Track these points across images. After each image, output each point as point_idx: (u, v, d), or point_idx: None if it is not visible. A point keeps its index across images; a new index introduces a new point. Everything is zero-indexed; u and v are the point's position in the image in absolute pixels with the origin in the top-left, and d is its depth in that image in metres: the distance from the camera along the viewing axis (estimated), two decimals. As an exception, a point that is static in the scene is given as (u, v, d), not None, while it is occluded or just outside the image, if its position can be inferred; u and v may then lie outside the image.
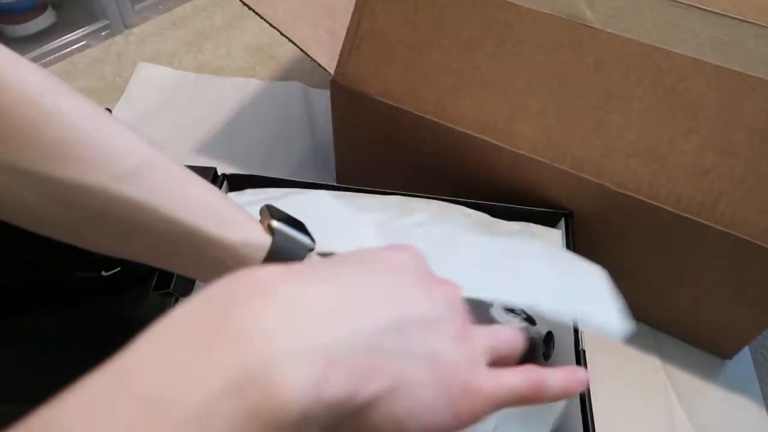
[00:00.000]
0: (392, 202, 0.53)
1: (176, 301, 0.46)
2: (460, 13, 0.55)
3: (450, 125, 0.56)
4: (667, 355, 0.62)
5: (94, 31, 0.98)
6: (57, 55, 0.95)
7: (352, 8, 0.58)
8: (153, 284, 0.47)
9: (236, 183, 0.57)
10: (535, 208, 0.55)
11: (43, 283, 0.45)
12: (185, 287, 0.47)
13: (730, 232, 0.48)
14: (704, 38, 0.48)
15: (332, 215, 0.50)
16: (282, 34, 0.59)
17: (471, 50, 0.55)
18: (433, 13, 0.56)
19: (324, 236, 0.41)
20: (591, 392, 0.59)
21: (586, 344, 0.65)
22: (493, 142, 0.54)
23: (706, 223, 0.49)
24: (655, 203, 0.50)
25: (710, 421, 0.58)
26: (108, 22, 0.99)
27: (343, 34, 0.59)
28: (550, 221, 0.56)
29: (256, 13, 0.59)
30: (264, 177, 0.57)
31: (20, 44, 0.94)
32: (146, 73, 0.91)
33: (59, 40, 0.95)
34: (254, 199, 0.54)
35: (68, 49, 0.96)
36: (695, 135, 0.49)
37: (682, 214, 0.49)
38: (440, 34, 0.56)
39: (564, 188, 0.54)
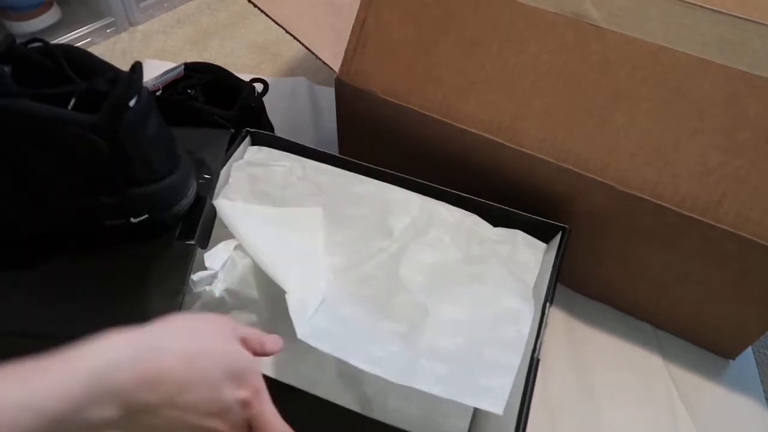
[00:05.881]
0: (376, 203, 0.55)
1: (196, 249, 0.49)
2: (465, 11, 0.55)
3: (454, 123, 0.56)
4: (670, 355, 0.62)
5: (99, 29, 0.98)
6: (62, 52, 0.95)
7: (357, 6, 0.59)
8: (177, 233, 0.49)
9: (258, 141, 0.60)
10: (533, 217, 0.55)
11: (76, 230, 0.47)
12: (203, 240, 0.50)
13: (735, 231, 0.48)
14: (709, 38, 0.48)
15: (305, 245, 0.52)
16: (287, 32, 0.59)
17: (476, 49, 0.55)
18: (438, 12, 0.56)
19: (284, 260, 0.48)
20: (593, 390, 0.59)
21: (587, 343, 0.65)
22: (498, 140, 0.54)
23: (710, 222, 0.49)
24: (659, 202, 0.50)
25: (713, 420, 0.58)
26: (113, 19, 0.99)
27: (348, 32, 0.59)
28: (546, 233, 0.55)
29: (262, 11, 0.59)
30: (285, 139, 0.59)
31: (26, 41, 0.94)
32: (152, 69, 0.91)
33: (64, 37, 0.96)
34: (266, 159, 0.58)
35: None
36: (700, 134, 0.49)
37: (687, 213, 0.49)
38: (445, 33, 0.56)
39: (568, 187, 0.54)
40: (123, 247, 0.48)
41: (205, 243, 0.50)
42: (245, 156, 0.58)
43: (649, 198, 0.50)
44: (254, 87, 0.68)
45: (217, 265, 0.49)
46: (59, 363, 0.31)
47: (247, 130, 0.59)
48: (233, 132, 0.59)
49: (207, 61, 0.70)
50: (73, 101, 0.42)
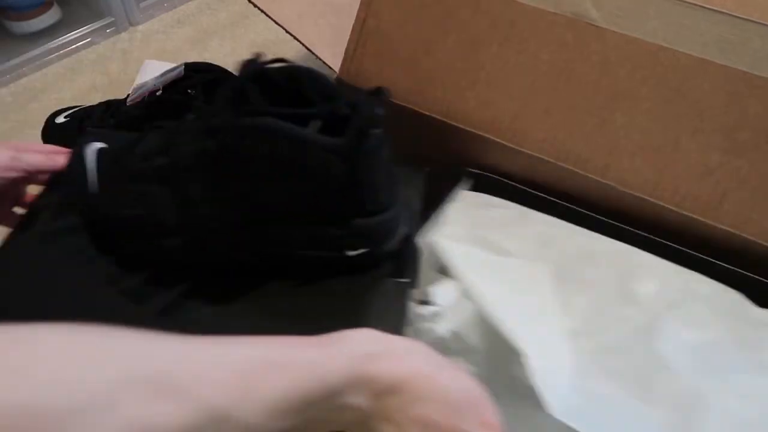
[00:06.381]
0: (614, 264, 0.49)
1: (409, 288, 0.47)
2: (465, 11, 0.55)
3: (455, 124, 0.56)
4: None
5: (99, 29, 0.99)
6: (63, 51, 0.95)
7: (357, 6, 0.59)
8: (387, 271, 0.47)
9: (480, 183, 0.55)
10: None
11: (289, 258, 0.46)
12: (415, 280, 0.48)
13: (735, 232, 0.48)
14: (710, 38, 0.48)
15: (534, 307, 0.46)
16: (287, 31, 0.59)
17: (476, 49, 0.55)
18: (438, 12, 0.56)
19: (515, 321, 0.43)
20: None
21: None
22: (498, 140, 0.54)
23: (710, 222, 0.49)
24: (659, 203, 0.50)
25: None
26: (113, 19, 0.99)
27: (349, 32, 0.59)
28: None
29: (262, 11, 0.59)
30: (513, 185, 0.54)
31: (26, 41, 0.94)
32: (152, 69, 0.91)
33: (65, 36, 0.96)
34: (485, 202, 0.53)
35: (74, 46, 0.96)
36: (700, 134, 0.49)
37: (687, 213, 0.49)
38: (445, 33, 0.56)
39: (568, 187, 0.54)
40: (332, 283, 0.46)
41: (416, 284, 0.48)
42: (460, 197, 0.54)
43: (649, 198, 0.50)
44: (254, 87, 0.68)
45: (445, 302, 0.45)
46: (330, 342, 0.33)
47: (471, 171, 0.55)
48: (428, 170, 0.55)
49: (207, 61, 0.70)
50: (318, 124, 0.41)
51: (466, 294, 0.45)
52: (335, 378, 0.31)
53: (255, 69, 0.41)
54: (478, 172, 0.56)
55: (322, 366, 0.32)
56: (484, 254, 0.49)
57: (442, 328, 0.45)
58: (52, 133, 0.75)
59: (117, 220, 0.46)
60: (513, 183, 0.54)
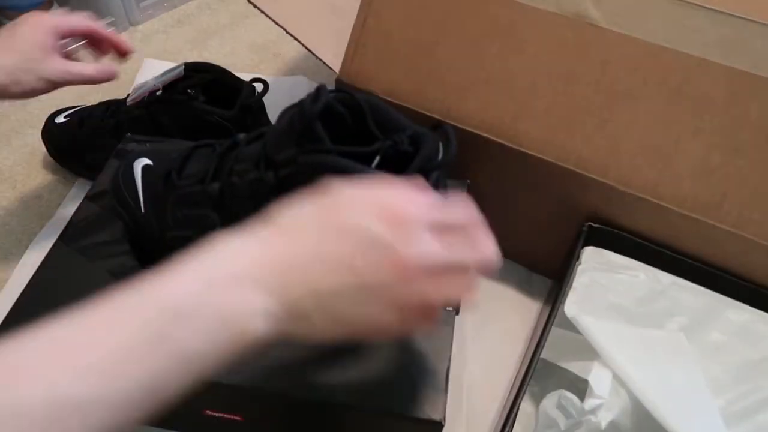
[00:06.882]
0: (758, 336, 0.48)
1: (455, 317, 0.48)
2: (465, 11, 0.55)
3: (455, 124, 0.56)
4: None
5: (99, 28, 0.98)
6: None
7: (357, 6, 0.59)
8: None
9: (596, 236, 0.54)
10: None
11: None
12: (457, 309, 0.48)
13: (736, 232, 0.48)
14: (710, 38, 0.48)
15: (678, 374, 0.46)
16: (287, 32, 0.59)
17: (477, 49, 0.55)
18: (438, 12, 0.56)
19: (661, 396, 0.43)
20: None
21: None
22: (499, 141, 0.54)
23: (711, 222, 0.49)
24: (660, 203, 0.50)
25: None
26: (113, 19, 0.99)
27: (349, 32, 0.59)
28: None
29: (262, 11, 0.59)
30: (630, 238, 0.53)
31: (26, 41, 0.94)
32: (152, 69, 0.91)
33: (64, 36, 0.95)
34: (610, 264, 0.52)
35: (74, 46, 0.96)
36: (701, 134, 0.48)
37: (688, 213, 0.49)
38: (446, 33, 0.56)
39: (569, 187, 0.54)
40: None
41: (457, 311, 0.49)
42: (583, 258, 0.52)
43: (649, 198, 0.50)
44: (254, 87, 0.68)
45: (606, 392, 0.44)
46: (179, 266, 0.29)
47: (590, 225, 0.55)
48: (469, 182, 0.56)
49: (207, 61, 0.70)
50: (377, 160, 0.42)
51: (617, 378, 0.45)
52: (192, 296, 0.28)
53: (321, 105, 0.40)
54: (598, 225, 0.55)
55: (174, 290, 0.28)
56: (625, 329, 0.48)
57: (600, 418, 0.44)
58: (52, 133, 0.75)
59: (163, 239, 0.46)
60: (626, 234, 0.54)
